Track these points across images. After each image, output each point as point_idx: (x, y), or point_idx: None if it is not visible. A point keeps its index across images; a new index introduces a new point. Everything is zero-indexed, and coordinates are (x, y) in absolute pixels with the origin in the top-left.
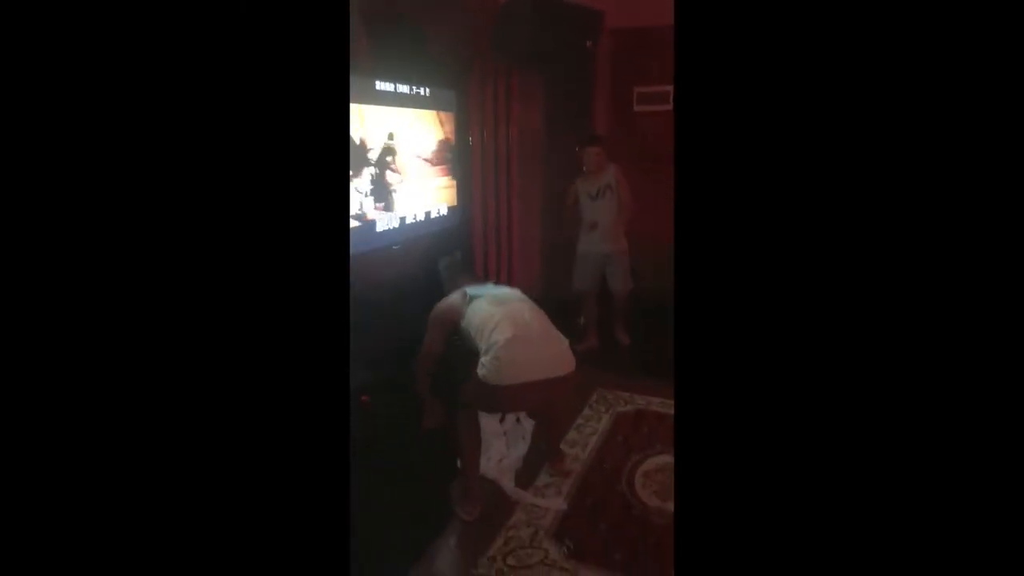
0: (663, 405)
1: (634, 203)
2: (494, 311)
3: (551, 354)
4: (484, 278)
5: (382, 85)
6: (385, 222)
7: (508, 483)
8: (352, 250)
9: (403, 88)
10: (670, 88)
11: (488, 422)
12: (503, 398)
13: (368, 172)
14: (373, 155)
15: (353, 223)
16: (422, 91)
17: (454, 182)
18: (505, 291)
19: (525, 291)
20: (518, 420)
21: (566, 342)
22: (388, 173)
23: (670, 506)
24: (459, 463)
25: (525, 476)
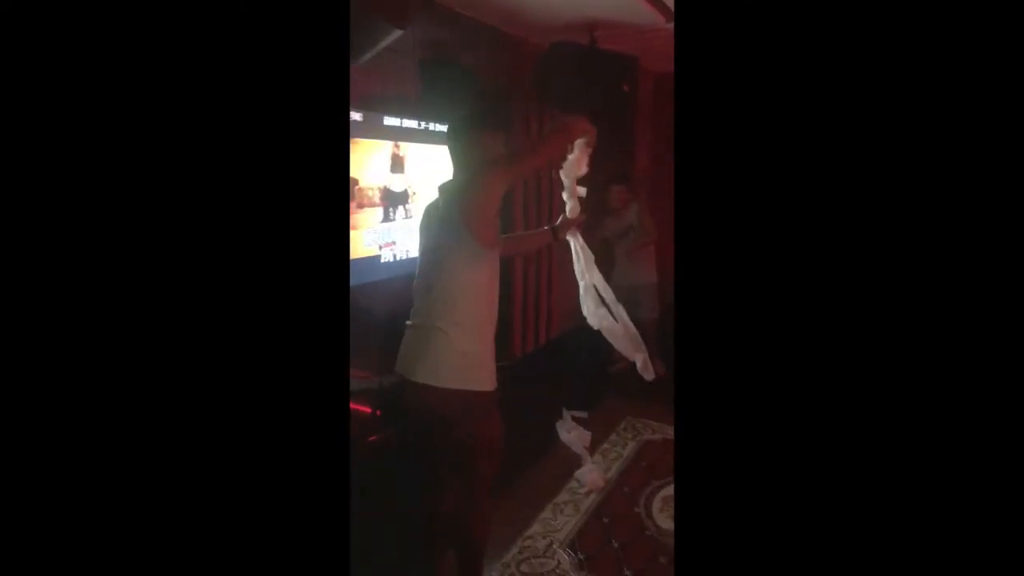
0: None
1: (657, 236)
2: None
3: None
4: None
5: (389, 120)
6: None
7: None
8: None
9: (410, 123)
10: None
11: None
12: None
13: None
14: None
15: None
16: (424, 125)
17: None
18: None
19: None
20: None
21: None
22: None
23: None
24: None
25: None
